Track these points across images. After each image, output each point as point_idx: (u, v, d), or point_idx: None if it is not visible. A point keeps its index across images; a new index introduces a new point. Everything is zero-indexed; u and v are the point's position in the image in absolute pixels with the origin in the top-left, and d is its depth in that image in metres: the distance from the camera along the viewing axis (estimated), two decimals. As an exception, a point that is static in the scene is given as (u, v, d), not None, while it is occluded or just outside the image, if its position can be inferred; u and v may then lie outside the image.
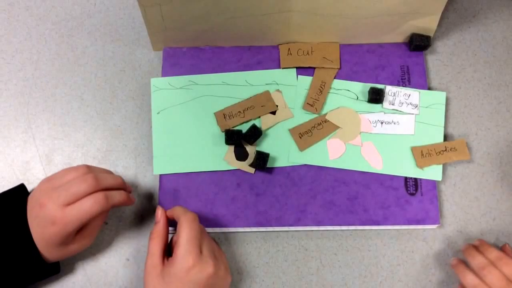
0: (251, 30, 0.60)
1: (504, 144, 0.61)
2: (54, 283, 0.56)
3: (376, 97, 0.59)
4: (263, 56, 0.62)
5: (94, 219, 0.50)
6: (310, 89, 0.61)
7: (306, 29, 0.60)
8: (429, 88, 0.63)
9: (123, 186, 0.53)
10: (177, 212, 0.51)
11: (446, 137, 0.61)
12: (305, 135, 0.59)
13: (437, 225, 0.58)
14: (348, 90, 0.61)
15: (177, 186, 0.58)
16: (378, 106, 0.61)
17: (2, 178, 0.59)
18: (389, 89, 0.61)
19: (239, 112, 0.60)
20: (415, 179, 0.59)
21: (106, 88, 0.63)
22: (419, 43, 0.61)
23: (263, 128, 0.59)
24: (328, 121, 0.60)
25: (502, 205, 0.59)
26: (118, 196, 0.51)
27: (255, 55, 0.63)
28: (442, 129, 0.60)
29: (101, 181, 0.50)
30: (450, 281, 0.57)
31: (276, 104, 0.60)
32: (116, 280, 0.56)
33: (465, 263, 0.54)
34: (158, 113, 0.60)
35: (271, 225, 0.57)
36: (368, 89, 0.60)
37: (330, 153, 0.59)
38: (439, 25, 0.63)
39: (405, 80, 0.62)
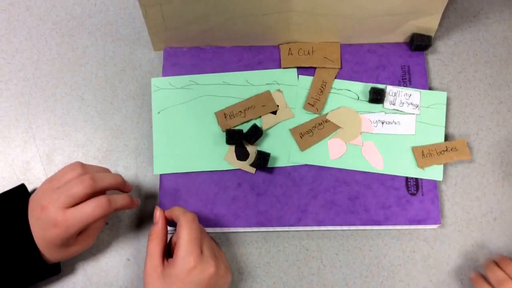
0: (252, 30, 0.60)
1: (505, 144, 0.61)
2: (55, 284, 0.56)
3: (377, 97, 0.59)
4: (264, 56, 0.62)
5: (96, 221, 0.50)
6: (311, 89, 0.61)
7: (306, 29, 0.60)
8: (430, 88, 0.62)
9: (122, 184, 0.53)
10: (176, 212, 0.51)
11: (447, 137, 0.60)
12: (306, 135, 0.59)
13: (438, 225, 0.58)
14: (349, 90, 0.61)
15: (177, 186, 0.58)
16: (379, 106, 0.61)
17: (2, 178, 0.59)
18: (390, 89, 0.61)
19: (240, 112, 0.60)
20: (416, 179, 0.58)
21: (106, 88, 0.63)
22: (420, 43, 0.61)
23: (264, 128, 0.59)
24: (329, 121, 0.60)
25: (503, 205, 0.59)
26: (121, 200, 0.50)
27: (255, 55, 0.62)
28: (443, 129, 0.60)
29: (98, 181, 0.49)
30: (451, 281, 0.57)
31: (277, 104, 0.60)
32: (116, 280, 0.56)
33: (484, 277, 0.54)
34: (159, 113, 0.60)
35: (272, 225, 0.57)
36: (369, 89, 0.60)
37: (331, 153, 0.59)
38: (440, 25, 0.63)
39: (406, 80, 0.62)
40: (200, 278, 0.47)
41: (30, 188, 0.53)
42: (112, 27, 0.65)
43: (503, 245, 0.58)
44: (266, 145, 0.59)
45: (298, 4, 0.56)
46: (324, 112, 0.61)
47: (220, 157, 0.58)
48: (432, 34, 0.62)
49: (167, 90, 0.61)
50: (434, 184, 0.58)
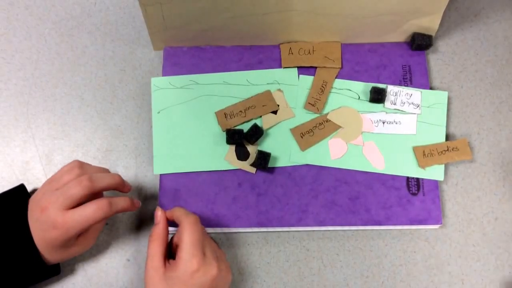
0: (252, 29, 0.60)
1: (506, 144, 0.61)
2: (55, 284, 0.55)
3: (377, 96, 0.59)
4: (264, 55, 0.62)
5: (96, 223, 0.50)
6: (311, 89, 0.61)
7: (307, 28, 0.60)
8: (431, 88, 0.62)
9: (121, 184, 0.52)
10: (178, 213, 0.51)
11: (448, 137, 0.60)
12: (306, 135, 0.59)
13: (439, 225, 0.57)
14: (350, 90, 0.61)
15: (177, 186, 0.58)
16: (379, 105, 0.60)
17: (2, 178, 0.59)
18: (391, 89, 0.61)
19: (240, 111, 0.59)
20: (417, 179, 0.58)
21: (106, 87, 0.63)
22: (420, 43, 0.61)
23: (265, 127, 0.59)
24: (330, 120, 0.60)
25: (504, 205, 0.59)
26: (122, 203, 0.50)
27: (256, 54, 0.62)
28: (444, 128, 0.60)
29: (96, 182, 0.49)
30: (452, 282, 0.56)
31: (278, 103, 0.60)
32: (116, 281, 0.56)
33: None
34: (159, 112, 0.60)
35: (272, 225, 0.57)
36: (369, 88, 0.60)
37: (332, 153, 0.59)
38: (441, 24, 0.62)
39: (406, 79, 0.62)
40: (203, 281, 0.47)
41: (29, 188, 0.53)
42: (112, 26, 0.65)
43: (504, 245, 0.58)
44: (266, 145, 0.59)
45: (298, 3, 0.56)
46: (325, 111, 0.60)
47: (221, 157, 0.58)
48: (433, 34, 0.62)
49: (167, 89, 0.60)
50: (435, 184, 0.58)
